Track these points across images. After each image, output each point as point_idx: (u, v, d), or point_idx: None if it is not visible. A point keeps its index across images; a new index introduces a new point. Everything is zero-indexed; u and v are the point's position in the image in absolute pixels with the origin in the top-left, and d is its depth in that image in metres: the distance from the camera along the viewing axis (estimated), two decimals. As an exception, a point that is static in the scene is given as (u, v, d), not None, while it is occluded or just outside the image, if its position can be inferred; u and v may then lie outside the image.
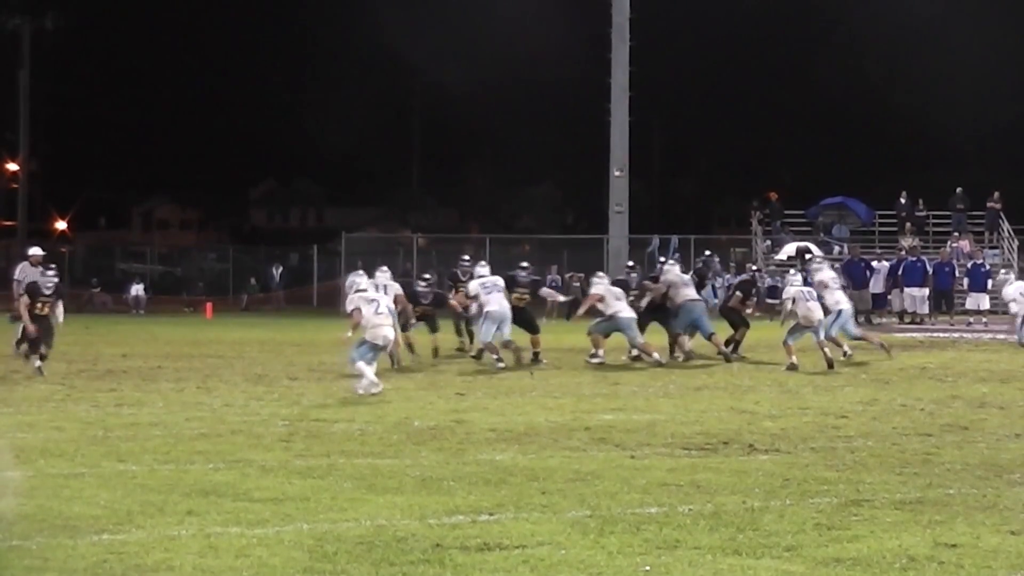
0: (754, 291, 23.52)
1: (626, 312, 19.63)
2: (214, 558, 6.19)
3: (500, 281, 19.76)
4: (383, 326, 14.35)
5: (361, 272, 17.70)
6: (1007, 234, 40.74)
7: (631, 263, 21.80)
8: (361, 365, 14.03)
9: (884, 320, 33.05)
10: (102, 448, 10.13)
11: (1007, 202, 42.08)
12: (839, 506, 7.90)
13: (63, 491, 8.03)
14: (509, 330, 19.04)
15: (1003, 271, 24.79)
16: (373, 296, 15.00)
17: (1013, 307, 21.43)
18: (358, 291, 14.97)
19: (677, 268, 21.12)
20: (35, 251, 22.52)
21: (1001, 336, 26.96)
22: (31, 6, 60.03)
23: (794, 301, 19.31)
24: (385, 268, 20.46)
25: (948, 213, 41.75)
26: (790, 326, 19.26)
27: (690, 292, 20.49)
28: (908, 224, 40.29)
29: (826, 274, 20.82)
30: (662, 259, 22.92)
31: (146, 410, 13.09)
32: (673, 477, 8.85)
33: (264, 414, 12.73)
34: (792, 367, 18.58)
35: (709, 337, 20.46)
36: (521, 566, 6.15)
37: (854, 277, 29.51)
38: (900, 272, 33.05)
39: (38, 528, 6.86)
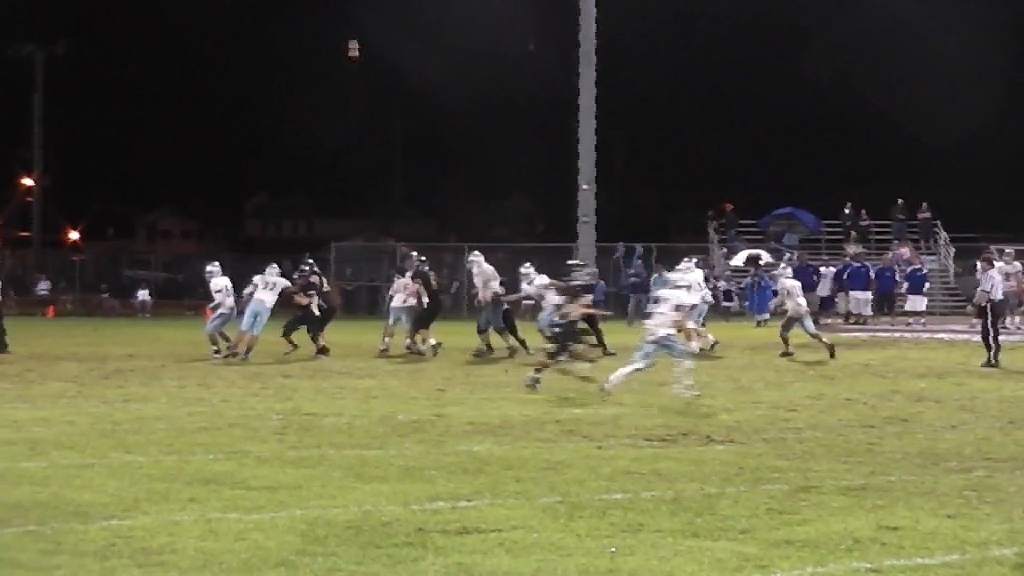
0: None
1: (395, 302, 20.24)
2: (214, 541, 6.08)
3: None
4: (657, 326, 13.52)
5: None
6: (943, 241, 40.90)
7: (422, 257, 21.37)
8: (634, 366, 13.31)
9: (831, 321, 32.83)
10: (110, 440, 9.93)
11: (946, 213, 42.26)
12: (789, 492, 7.78)
13: (75, 480, 7.88)
14: None
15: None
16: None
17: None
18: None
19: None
20: None
21: (940, 335, 27.02)
22: (43, 34, 59.65)
23: (788, 294, 19.50)
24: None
25: (889, 223, 41.67)
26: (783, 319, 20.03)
27: (496, 285, 20.06)
28: (852, 233, 40.41)
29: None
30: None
31: (151, 405, 12.86)
32: (636, 466, 8.71)
33: (260, 409, 12.49)
34: (787, 354, 18.86)
35: (500, 331, 20.01)
36: (496, 548, 6.05)
37: (803, 281, 29.42)
38: (845, 276, 33.07)
39: (52, 514, 6.72)
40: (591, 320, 17.47)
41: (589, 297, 19.75)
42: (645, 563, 5.83)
